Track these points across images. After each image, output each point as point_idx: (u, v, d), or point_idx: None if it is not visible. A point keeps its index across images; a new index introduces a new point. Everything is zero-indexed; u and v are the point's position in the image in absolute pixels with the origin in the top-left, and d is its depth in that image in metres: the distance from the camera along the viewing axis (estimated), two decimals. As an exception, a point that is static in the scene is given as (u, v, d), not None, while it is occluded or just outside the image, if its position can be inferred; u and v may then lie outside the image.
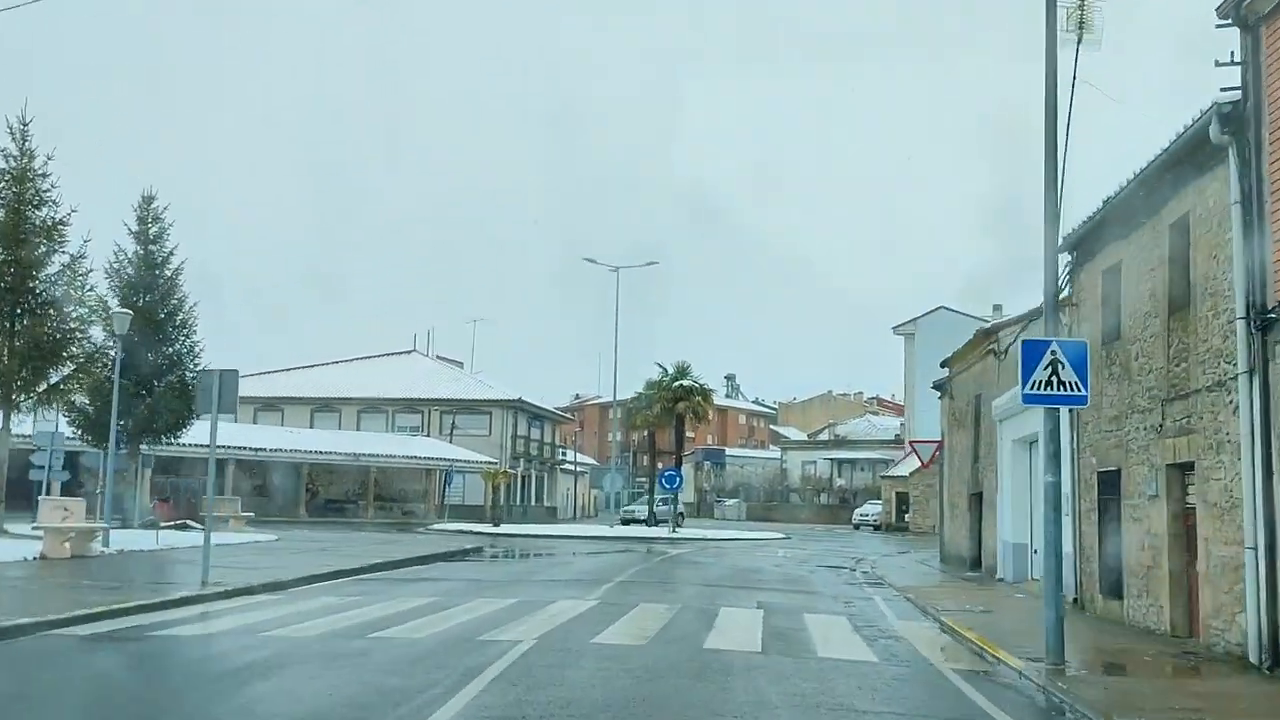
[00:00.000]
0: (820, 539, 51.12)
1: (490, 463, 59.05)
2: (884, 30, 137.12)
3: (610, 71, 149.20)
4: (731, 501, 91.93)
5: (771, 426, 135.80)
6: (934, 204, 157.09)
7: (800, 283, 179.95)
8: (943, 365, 31.76)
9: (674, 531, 45.94)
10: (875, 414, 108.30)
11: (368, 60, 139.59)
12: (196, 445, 35.23)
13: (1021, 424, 22.38)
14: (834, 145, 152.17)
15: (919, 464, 68.12)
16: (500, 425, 68.58)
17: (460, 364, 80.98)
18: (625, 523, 51.71)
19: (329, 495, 60.23)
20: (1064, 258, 17.76)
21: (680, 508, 57.71)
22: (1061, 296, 18.41)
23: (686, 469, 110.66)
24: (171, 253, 33.70)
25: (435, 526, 48.58)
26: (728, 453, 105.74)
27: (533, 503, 73.48)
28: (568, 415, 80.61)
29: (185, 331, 33.56)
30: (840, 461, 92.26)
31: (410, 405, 69.24)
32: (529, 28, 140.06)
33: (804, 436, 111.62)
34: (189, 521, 34.77)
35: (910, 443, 31.22)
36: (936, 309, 71.32)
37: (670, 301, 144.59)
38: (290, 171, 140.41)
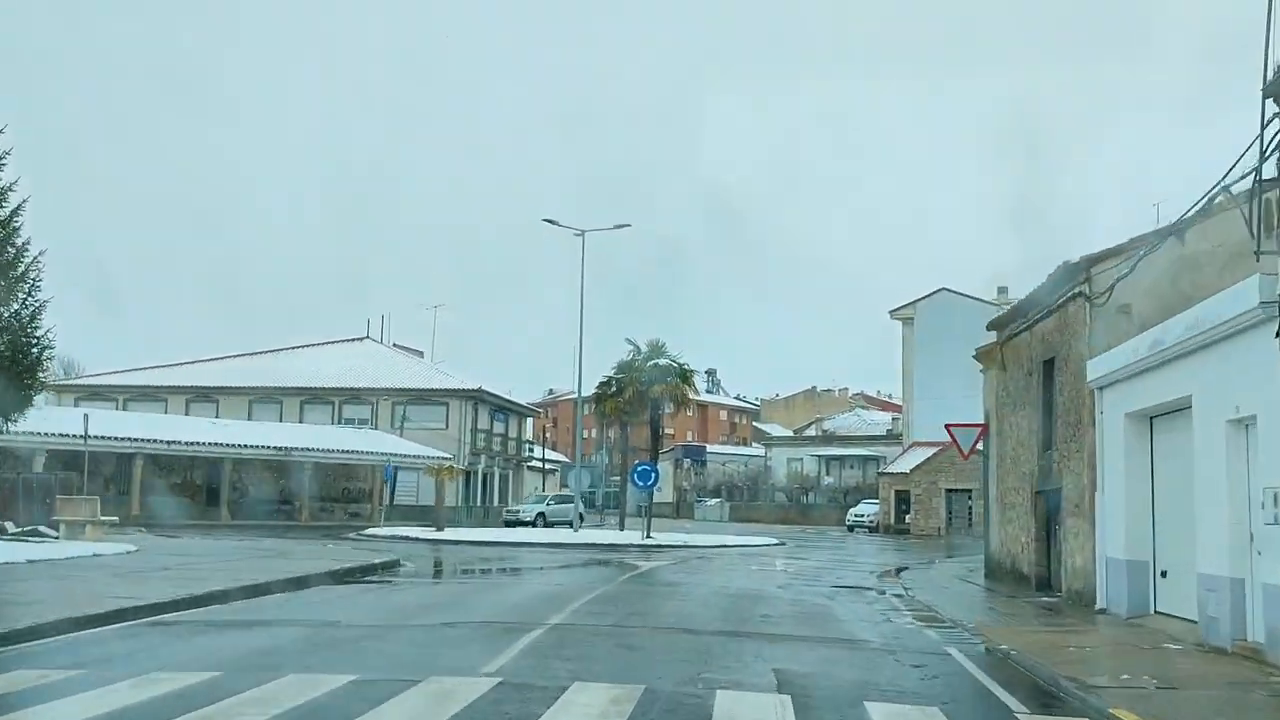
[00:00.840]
0: (816, 544, 44.02)
1: (440, 458, 51.69)
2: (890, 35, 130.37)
3: (602, 54, 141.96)
4: (713, 501, 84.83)
5: (755, 424, 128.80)
6: (931, 199, 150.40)
7: (783, 277, 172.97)
8: (990, 327, 24.67)
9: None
10: (864, 408, 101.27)
11: (379, 50, 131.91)
12: (48, 435, 27.94)
13: (1144, 391, 15.26)
14: (838, 142, 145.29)
15: (922, 458, 61.40)
16: (459, 418, 61.22)
17: (420, 353, 73.51)
18: (509, 524, 45.07)
19: (260, 495, 52.66)
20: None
21: (580, 509, 51.23)
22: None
23: (665, 466, 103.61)
24: (10, 188, 26.17)
25: (371, 532, 41.18)
26: (709, 450, 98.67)
27: (495, 503, 66.12)
28: (537, 410, 73.39)
29: (25, 288, 26.05)
30: (828, 458, 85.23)
31: (357, 395, 61.83)
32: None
33: (789, 433, 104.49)
34: (41, 528, 27.39)
35: (948, 427, 24.07)
36: (937, 291, 64.47)
37: (651, 292, 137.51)
38: (319, 159, 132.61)
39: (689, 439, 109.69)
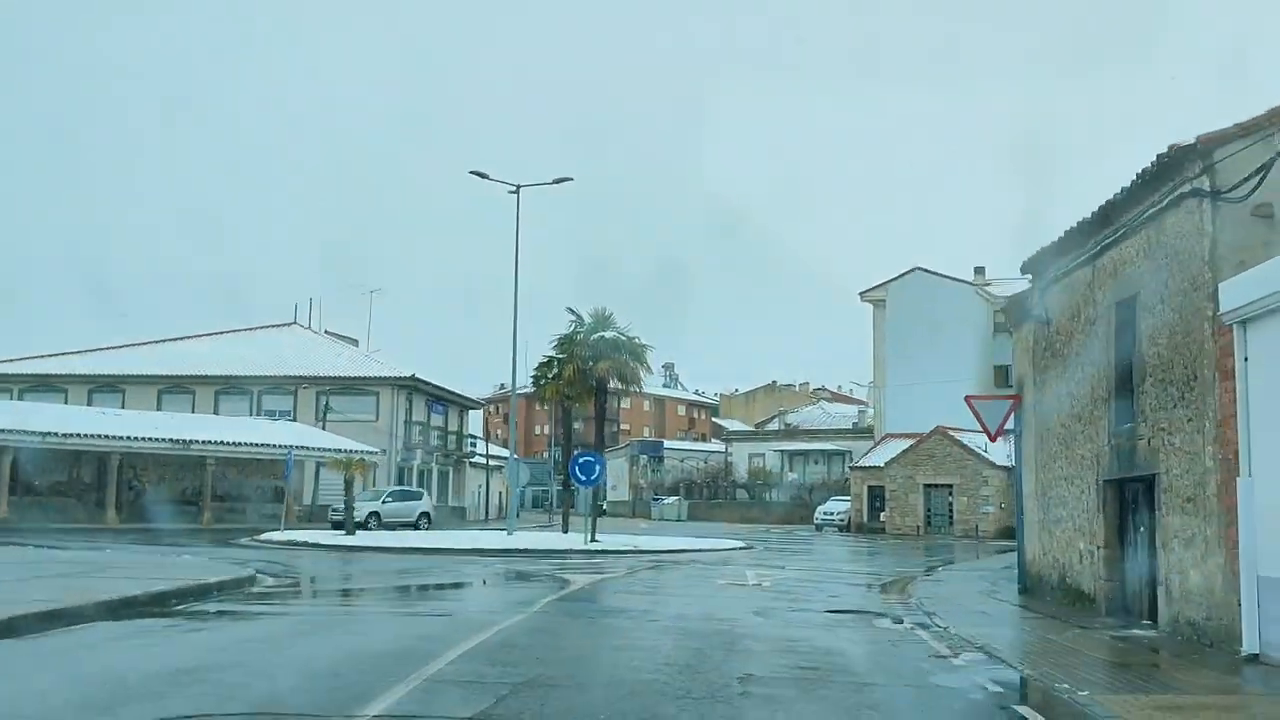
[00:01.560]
0: (786, 546, 38.33)
1: (363, 451, 45.47)
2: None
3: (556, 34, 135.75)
4: (670, 500, 78.94)
5: (714, 419, 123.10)
6: (903, 193, 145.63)
7: (740, 269, 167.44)
8: (1024, 270, 18.96)
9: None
10: (829, 400, 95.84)
11: (376, 52, 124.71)
12: None
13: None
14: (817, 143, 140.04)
15: (896, 451, 55.87)
16: (390, 409, 54.94)
17: (355, 341, 66.96)
18: (335, 526, 36.78)
19: (160, 495, 46.09)
20: None
21: (427, 506, 45.46)
22: None
23: (620, 463, 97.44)
24: None
25: (268, 537, 34.82)
26: (666, 445, 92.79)
27: (435, 501, 59.77)
28: (482, 403, 67.09)
29: None
30: (792, 454, 79.59)
31: (278, 384, 55.32)
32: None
33: (750, 428, 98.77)
34: None
35: (969, 399, 18.28)
36: (910, 270, 59.08)
37: (603, 280, 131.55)
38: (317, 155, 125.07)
39: (646, 435, 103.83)
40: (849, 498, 58.09)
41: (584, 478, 29.82)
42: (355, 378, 55.20)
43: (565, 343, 33.10)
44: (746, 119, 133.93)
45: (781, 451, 79.40)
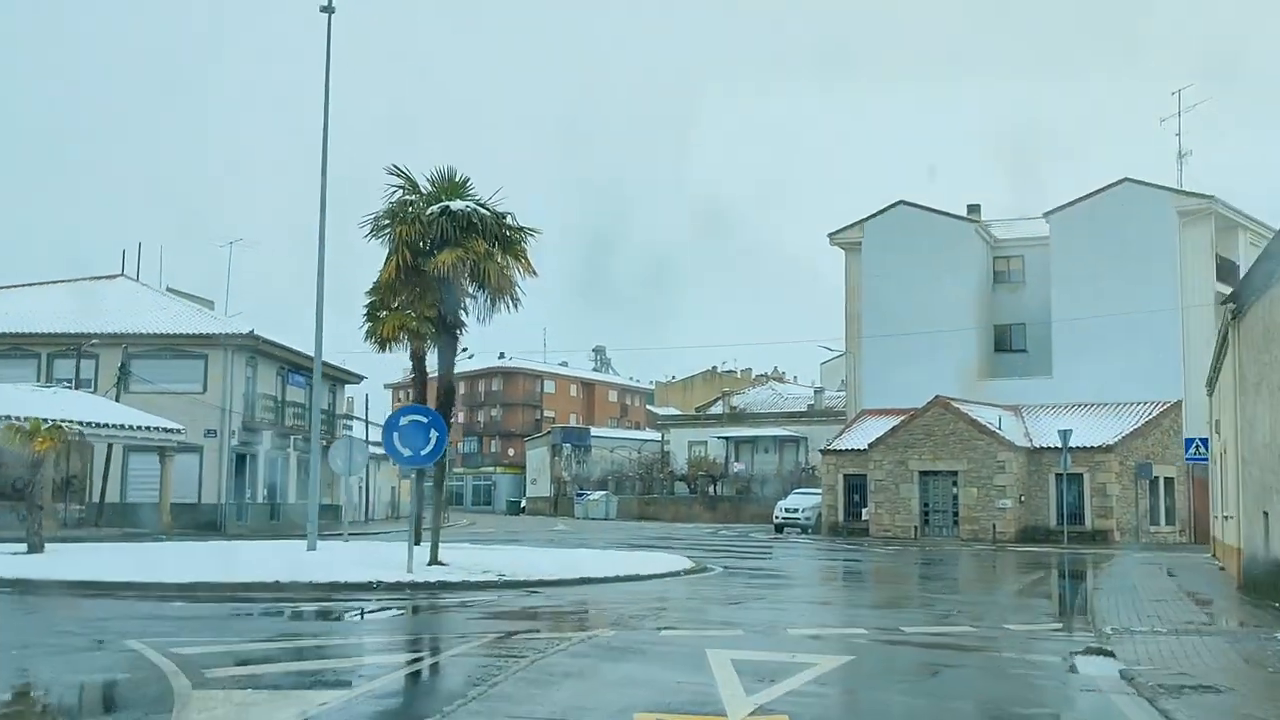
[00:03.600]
0: (745, 556, 25.30)
1: (163, 429, 31.29)
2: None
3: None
4: (597, 495, 65.38)
5: (649, 408, 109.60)
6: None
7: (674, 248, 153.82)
8: None
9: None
10: (780, 381, 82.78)
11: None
12: None
13: None
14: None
15: (882, 429, 42.67)
16: (225, 377, 40.66)
17: (211, 303, 52.07)
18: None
19: None
20: None
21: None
22: None
23: (541, 453, 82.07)
24: None
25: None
26: (594, 433, 79.16)
27: (291, 498, 45.69)
28: (357, 375, 52.64)
29: None
30: (738, 440, 66.41)
31: (76, 345, 40.74)
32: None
33: (691, 412, 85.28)
34: None
35: None
36: (895, 204, 45.94)
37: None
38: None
39: (573, 422, 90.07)
40: (817, 490, 44.98)
41: (406, 451, 16.06)
42: (173, 336, 40.82)
43: (390, 219, 18.67)
44: (740, 120, 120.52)
45: (726, 438, 66.15)
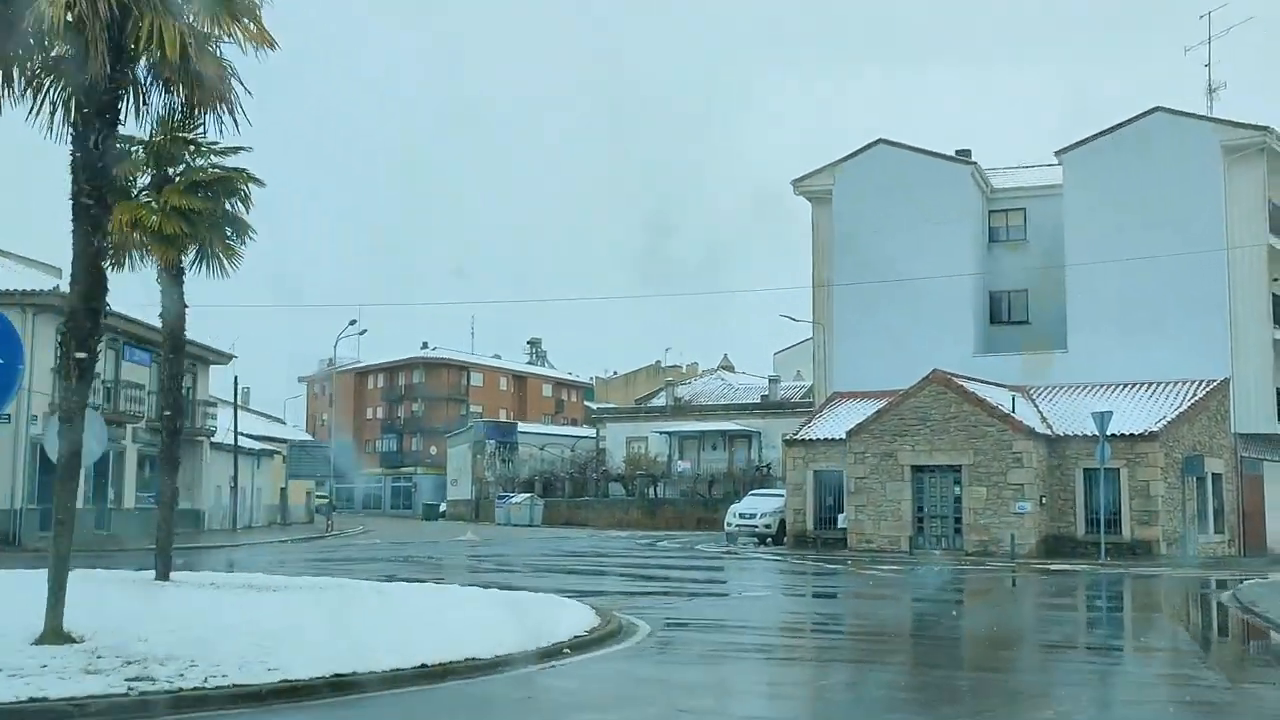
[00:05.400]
0: (693, 589, 16.02)
1: None
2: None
3: None
4: (520, 498, 55.86)
5: (587, 403, 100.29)
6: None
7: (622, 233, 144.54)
8: None
9: None
10: (731, 370, 73.86)
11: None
12: None
13: None
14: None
15: (861, 415, 32.97)
16: (27, 346, 30.59)
17: (58, 270, 41.65)
18: None
19: None
20: None
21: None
22: None
23: (462, 450, 71.65)
24: None
25: None
26: (521, 429, 69.55)
27: (126, 502, 35.81)
28: (226, 353, 42.58)
29: None
30: (682, 436, 57.28)
31: None
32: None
33: (630, 405, 76.16)
34: None
35: None
36: (874, 143, 37.08)
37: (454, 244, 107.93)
38: None
39: (503, 418, 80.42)
40: (779, 492, 36.01)
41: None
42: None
43: None
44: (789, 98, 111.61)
45: (669, 434, 57.00)
